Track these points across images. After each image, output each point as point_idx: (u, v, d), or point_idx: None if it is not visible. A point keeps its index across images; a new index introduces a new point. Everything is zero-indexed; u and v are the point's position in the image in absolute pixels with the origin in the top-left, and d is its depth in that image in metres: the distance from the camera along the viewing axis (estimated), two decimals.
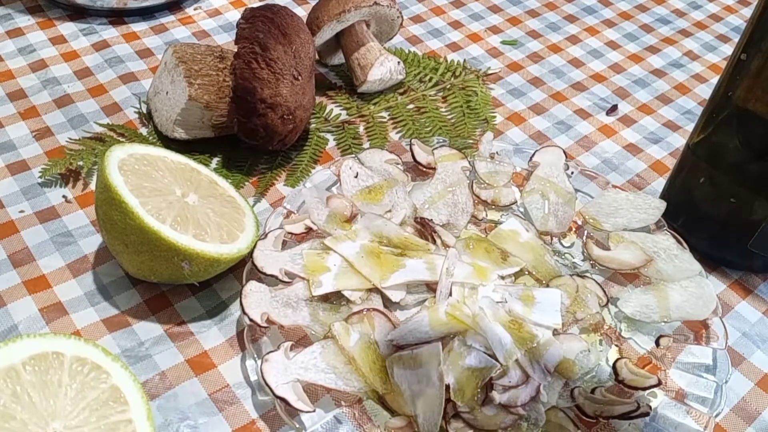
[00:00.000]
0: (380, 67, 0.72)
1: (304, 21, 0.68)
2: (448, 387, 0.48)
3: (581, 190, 0.63)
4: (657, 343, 0.54)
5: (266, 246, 0.54)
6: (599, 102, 0.78)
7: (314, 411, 0.47)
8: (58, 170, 0.63)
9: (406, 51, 0.81)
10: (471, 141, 0.69)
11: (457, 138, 0.70)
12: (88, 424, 0.42)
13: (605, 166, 0.71)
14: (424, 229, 0.58)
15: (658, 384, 0.50)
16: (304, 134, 0.69)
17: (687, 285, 0.56)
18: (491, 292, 0.54)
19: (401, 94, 0.75)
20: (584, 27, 0.90)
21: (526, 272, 0.57)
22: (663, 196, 0.64)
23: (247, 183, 0.65)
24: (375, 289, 0.54)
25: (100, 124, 0.68)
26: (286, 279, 0.53)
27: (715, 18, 0.94)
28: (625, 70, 0.83)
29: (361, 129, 0.72)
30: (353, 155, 0.63)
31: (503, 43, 0.85)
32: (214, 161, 0.66)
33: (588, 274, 0.58)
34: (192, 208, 0.53)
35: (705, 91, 0.81)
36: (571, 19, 0.91)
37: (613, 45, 0.87)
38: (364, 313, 0.51)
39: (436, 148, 0.64)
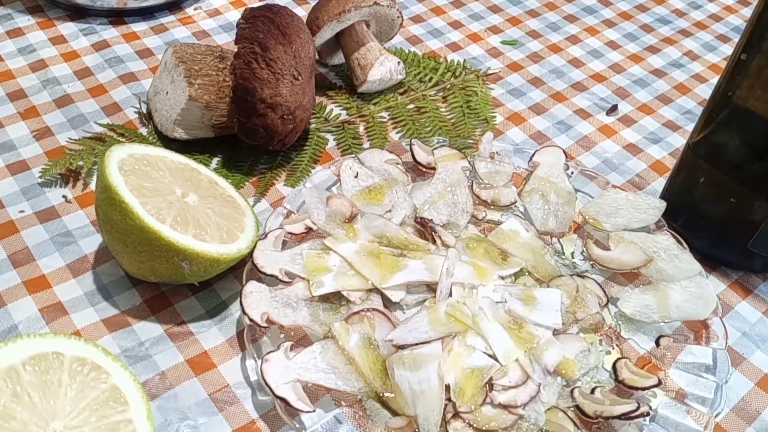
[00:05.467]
0: (380, 67, 0.72)
1: (304, 21, 0.68)
2: (448, 387, 0.48)
3: (581, 190, 0.63)
4: (657, 343, 0.54)
5: (266, 246, 0.54)
6: (599, 102, 0.78)
7: (314, 411, 0.47)
8: (58, 170, 0.63)
9: (406, 51, 0.81)
10: (471, 141, 0.69)
11: (457, 138, 0.70)
12: (88, 424, 0.42)
13: (605, 166, 0.71)
14: (424, 229, 0.58)
15: (658, 384, 0.50)
16: (304, 134, 0.69)
17: (687, 285, 0.56)
18: (491, 292, 0.54)
19: (401, 94, 0.75)
20: (584, 27, 0.90)
21: (526, 272, 0.57)
22: (663, 196, 0.64)
23: (247, 183, 0.65)
24: (375, 289, 0.54)
25: (100, 124, 0.68)
26: (286, 279, 0.53)
27: (715, 18, 0.94)
28: (625, 70, 0.83)
29: (361, 129, 0.72)
30: (353, 155, 0.63)
31: (503, 43, 0.85)
32: (214, 161, 0.66)
33: (588, 274, 0.58)
34: (192, 208, 0.53)
35: (705, 91, 0.81)
36: (571, 19, 0.91)
37: (613, 45, 0.87)
38: (364, 313, 0.51)
39: (436, 148, 0.64)
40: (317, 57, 0.76)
